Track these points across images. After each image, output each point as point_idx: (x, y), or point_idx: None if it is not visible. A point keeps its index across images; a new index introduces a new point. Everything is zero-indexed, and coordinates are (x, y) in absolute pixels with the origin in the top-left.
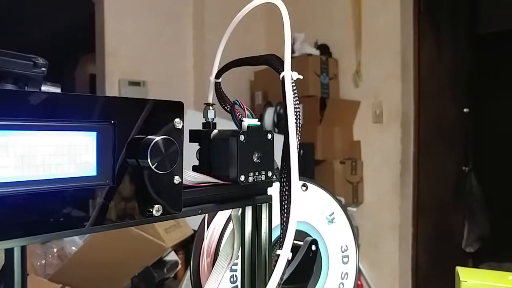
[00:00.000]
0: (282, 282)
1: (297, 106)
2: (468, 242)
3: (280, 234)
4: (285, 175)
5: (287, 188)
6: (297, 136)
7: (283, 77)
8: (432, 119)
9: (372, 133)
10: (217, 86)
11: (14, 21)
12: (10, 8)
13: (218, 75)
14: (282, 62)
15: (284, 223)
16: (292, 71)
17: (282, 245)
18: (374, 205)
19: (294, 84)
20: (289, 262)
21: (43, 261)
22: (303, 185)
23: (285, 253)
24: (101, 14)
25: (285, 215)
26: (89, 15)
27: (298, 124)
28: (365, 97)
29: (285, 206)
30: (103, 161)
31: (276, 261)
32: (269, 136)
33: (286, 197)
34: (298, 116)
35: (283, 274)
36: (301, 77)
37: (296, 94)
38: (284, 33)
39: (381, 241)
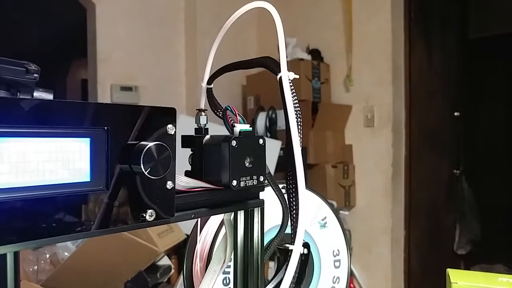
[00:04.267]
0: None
1: (296, 105)
2: (460, 244)
3: (289, 230)
4: (291, 172)
5: (293, 182)
6: (299, 134)
7: (281, 77)
8: (423, 123)
9: (364, 137)
10: (209, 92)
11: (5, 27)
12: (1, 14)
13: (210, 81)
14: (278, 64)
15: (294, 219)
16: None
17: (294, 240)
18: (366, 209)
19: (292, 84)
20: (280, 266)
21: (36, 267)
22: None
23: (297, 248)
24: (93, 19)
25: (294, 210)
26: (81, 20)
27: (299, 122)
28: (357, 101)
29: (293, 197)
30: (96, 167)
31: (290, 256)
32: (261, 141)
33: (293, 190)
34: (298, 115)
35: (297, 268)
36: (297, 76)
37: (295, 94)
38: (278, 34)
39: (374, 244)
